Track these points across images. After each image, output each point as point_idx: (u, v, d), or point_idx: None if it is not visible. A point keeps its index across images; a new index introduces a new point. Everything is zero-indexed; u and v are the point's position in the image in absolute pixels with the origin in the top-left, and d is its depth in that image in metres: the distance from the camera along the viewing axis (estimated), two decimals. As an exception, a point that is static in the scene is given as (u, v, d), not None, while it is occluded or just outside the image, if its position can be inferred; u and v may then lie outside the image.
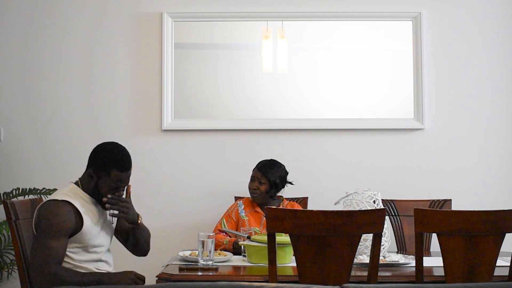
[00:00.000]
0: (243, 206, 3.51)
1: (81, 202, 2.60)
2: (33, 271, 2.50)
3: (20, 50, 4.06)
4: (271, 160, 3.56)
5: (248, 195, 3.55)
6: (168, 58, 4.01)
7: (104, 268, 2.70)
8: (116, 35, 4.07)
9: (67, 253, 2.56)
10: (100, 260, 2.68)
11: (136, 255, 2.86)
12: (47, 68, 4.06)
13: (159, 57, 4.03)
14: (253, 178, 3.51)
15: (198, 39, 4.09)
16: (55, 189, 3.74)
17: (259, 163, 3.54)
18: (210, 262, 2.69)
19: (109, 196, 2.61)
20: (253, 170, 3.53)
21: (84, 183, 2.67)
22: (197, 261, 2.73)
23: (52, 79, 4.05)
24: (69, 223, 2.53)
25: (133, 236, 2.79)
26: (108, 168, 2.60)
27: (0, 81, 4.06)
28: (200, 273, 2.60)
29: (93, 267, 2.63)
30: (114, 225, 2.80)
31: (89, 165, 2.66)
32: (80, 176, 2.71)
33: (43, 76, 4.06)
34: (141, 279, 2.54)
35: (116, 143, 2.71)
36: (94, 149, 2.69)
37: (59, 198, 2.55)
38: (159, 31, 4.04)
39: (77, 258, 2.59)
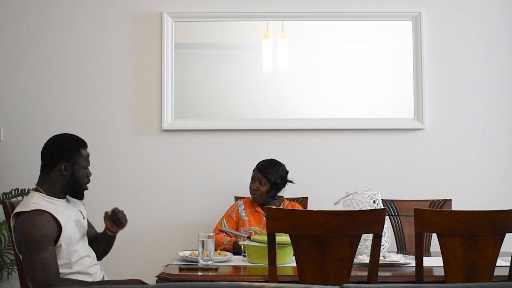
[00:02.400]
0: (243, 206, 3.51)
1: (49, 206, 2.55)
2: None
3: (20, 50, 4.06)
4: (271, 160, 3.55)
5: (248, 195, 3.55)
6: (168, 58, 4.01)
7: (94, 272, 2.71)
8: (116, 35, 4.07)
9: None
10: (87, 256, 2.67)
11: (99, 260, 2.83)
12: (47, 68, 4.05)
13: (159, 57, 4.03)
14: (253, 179, 3.50)
15: (198, 39, 4.09)
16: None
17: (259, 163, 3.54)
18: (210, 262, 2.69)
19: (110, 212, 2.66)
20: (253, 170, 3.53)
21: (48, 187, 2.62)
22: (197, 261, 2.73)
23: (52, 79, 4.05)
24: (51, 230, 2.49)
25: (108, 242, 2.83)
26: (78, 149, 2.64)
27: (0, 81, 4.06)
28: (200, 273, 2.60)
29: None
30: (85, 224, 2.77)
31: (56, 160, 2.62)
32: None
33: (43, 76, 4.06)
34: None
35: (57, 134, 2.75)
36: (48, 148, 2.68)
37: (29, 210, 2.49)
38: (159, 31, 4.04)
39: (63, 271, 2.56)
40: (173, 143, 4.03)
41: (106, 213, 2.78)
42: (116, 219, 2.74)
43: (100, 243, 2.84)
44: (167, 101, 4.00)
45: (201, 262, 2.69)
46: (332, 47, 4.07)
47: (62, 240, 2.53)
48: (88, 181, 2.71)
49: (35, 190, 2.63)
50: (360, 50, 4.07)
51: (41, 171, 2.68)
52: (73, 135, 2.73)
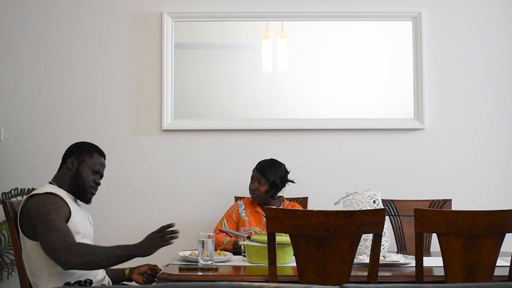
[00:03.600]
0: (243, 206, 3.51)
1: (61, 193, 2.65)
2: (62, 256, 2.41)
3: (20, 50, 4.07)
4: (271, 160, 3.55)
5: (248, 195, 3.55)
6: (168, 58, 4.01)
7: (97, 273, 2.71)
8: (116, 35, 4.07)
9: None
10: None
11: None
12: (47, 68, 4.06)
13: (159, 57, 4.03)
14: (252, 179, 3.50)
15: (198, 39, 4.09)
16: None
17: (259, 163, 3.54)
18: (210, 262, 2.69)
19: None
20: (253, 170, 3.53)
21: (59, 181, 2.70)
22: (197, 261, 2.73)
23: (52, 79, 4.05)
24: (64, 208, 2.57)
25: (115, 276, 2.88)
26: (90, 151, 2.76)
27: (0, 81, 4.06)
28: (200, 273, 2.60)
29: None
30: (91, 230, 2.80)
31: (67, 156, 2.76)
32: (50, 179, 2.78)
33: (43, 76, 4.06)
34: (160, 231, 2.52)
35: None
36: (68, 147, 2.82)
37: (41, 192, 2.59)
38: (159, 31, 4.04)
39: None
40: (173, 143, 4.03)
41: (147, 269, 2.82)
42: (149, 280, 2.81)
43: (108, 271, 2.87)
44: (167, 101, 4.00)
45: (201, 262, 2.69)
46: (332, 47, 4.07)
47: (70, 225, 2.56)
48: (95, 188, 2.75)
49: (50, 183, 2.72)
50: (360, 50, 4.07)
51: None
52: (96, 145, 2.84)
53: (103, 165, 2.81)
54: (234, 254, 3.06)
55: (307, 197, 3.83)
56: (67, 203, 2.60)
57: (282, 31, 4.04)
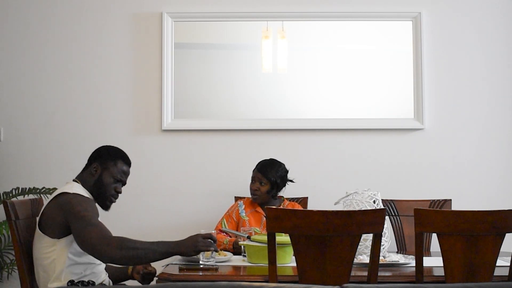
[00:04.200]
0: (243, 206, 3.51)
1: (89, 196, 2.69)
2: (102, 249, 2.42)
3: (20, 50, 4.06)
4: (271, 160, 3.55)
5: (248, 195, 3.55)
6: (168, 58, 4.01)
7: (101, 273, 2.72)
8: (116, 35, 4.07)
9: (68, 254, 2.57)
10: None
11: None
12: (47, 68, 4.06)
13: (159, 57, 4.03)
14: (253, 179, 3.50)
15: (198, 39, 4.09)
16: (54, 189, 3.74)
17: (259, 163, 3.54)
18: (212, 261, 2.69)
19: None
20: (253, 171, 3.53)
21: (83, 181, 2.73)
22: (197, 261, 2.73)
23: (52, 79, 4.05)
24: (95, 206, 2.64)
25: (118, 274, 2.91)
26: (115, 159, 2.75)
27: (0, 81, 4.06)
28: (200, 273, 2.60)
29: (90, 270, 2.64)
30: None
31: (92, 160, 2.77)
32: (75, 176, 2.78)
33: (43, 76, 4.06)
34: (208, 237, 2.50)
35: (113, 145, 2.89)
36: (96, 149, 2.82)
37: (71, 191, 2.61)
38: (159, 31, 4.04)
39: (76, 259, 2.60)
40: (173, 143, 4.03)
41: (144, 268, 2.81)
42: (146, 278, 2.81)
43: (111, 269, 2.88)
44: (167, 101, 4.00)
45: (202, 261, 2.69)
46: (332, 47, 4.07)
47: None
48: (115, 196, 2.77)
49: (74, 181, 2.74)
50: (360, 50, 4.07)
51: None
52: (124, 152, 2.83)
53: (126, 173, 2.79)
54: (234, 254, 3.06)
55: (307, 197, 3.83)
56: (96, 205, 2.68)
57: (282, 31, 4.04)
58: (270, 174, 3.45)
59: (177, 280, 2.50)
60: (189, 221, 3.96)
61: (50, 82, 4.05)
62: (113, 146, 2.84)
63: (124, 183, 2.80)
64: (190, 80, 4.04)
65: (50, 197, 2.68)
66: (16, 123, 4.04)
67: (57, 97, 4.05)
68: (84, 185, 2.72)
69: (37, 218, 2.65)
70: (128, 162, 2.81)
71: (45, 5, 4.07)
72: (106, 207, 2.77)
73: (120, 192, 2.78)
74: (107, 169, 2.73)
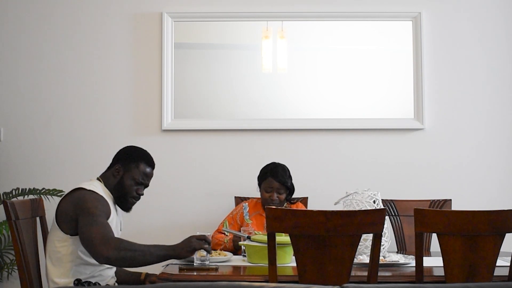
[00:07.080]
0: (248, 209, 3.45)
1: (106, 196, 2.68)
2: (99, 249, 2.41)
3: (20, 50, 4.07)
4: (278, 165, 3.47)
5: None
6: (168, 58, 4.01)
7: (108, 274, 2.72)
8: (116, 35, 4.07)
9: (79, 252, 2.58)
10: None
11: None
12: (47, 68, 4.06)
13: (159, 57, 4.03)
14: (269, 190, 3.39)
15: (198, 39, 4.09)
16: (54, 189, 3.75)
17: (271, 172, 3.40)
18: (206, 262, 2.68)
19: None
20: (266, 180, 3.40)
21: (105, 181, 2.73)
22: (192, 262, 2.72)
23: (52, 79, 4.05)
24: (108, 207, 2.61)
25: (129, 278, 2.92)
26: (138, 161, 2.74)
27: (0, 81, 4.06)
28: (200, 273, 2.59)
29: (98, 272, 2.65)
30: (121, 233, 2.83)
31: (116, 160, 2.76)
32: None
33: (43, 76, 4.06)
34: (202, 239, 2.52)
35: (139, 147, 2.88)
36: (120, 149, 2.82)
37: (87, 188, 2.61)
38: (159, 31, 4.04)
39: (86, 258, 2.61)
40: (173, 143, 4.03)
41: (155, 279, 2.81)
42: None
43: (121, 273, 2.88)
44: (167, 101, 4.00)
45: (196, 262, 2.69)
46: (332, 47, 4.07)
47: None
48: (137, 198, 2.76)
49: (98, 179, 2.75)
50: (360, 50, 4.07)
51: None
52: (148, 153, 2.81)
53: (149, 176, 2.77)
54: (235, 251, 3.06)
55: (307, 197, 3.83)
56: (109, 206, 2.65)
57: (282, 31, 4.04)
58: (287, 181, 3.40)
59: (177, 280, 2.50)
60: (189, 221, 3.96)
61: (50, 82, 4.05)
62: (137, 147, 2.83)
63: (146, 185, 2.78)
64: (190, 80, 4.04)
65: (69, 190, 2.69)
66: (16, 123, 4.04)
67: (57, 97, 4.05)
68: (106, 185, 2.72)
69: (55, 212, 2.66)
70: (151, 164, 2.78)
71: (45, 5, 4.07)
72: (127, 209, 2.77)
73: (142, 194, 2.77)
74: (129, 171, 2.72)
